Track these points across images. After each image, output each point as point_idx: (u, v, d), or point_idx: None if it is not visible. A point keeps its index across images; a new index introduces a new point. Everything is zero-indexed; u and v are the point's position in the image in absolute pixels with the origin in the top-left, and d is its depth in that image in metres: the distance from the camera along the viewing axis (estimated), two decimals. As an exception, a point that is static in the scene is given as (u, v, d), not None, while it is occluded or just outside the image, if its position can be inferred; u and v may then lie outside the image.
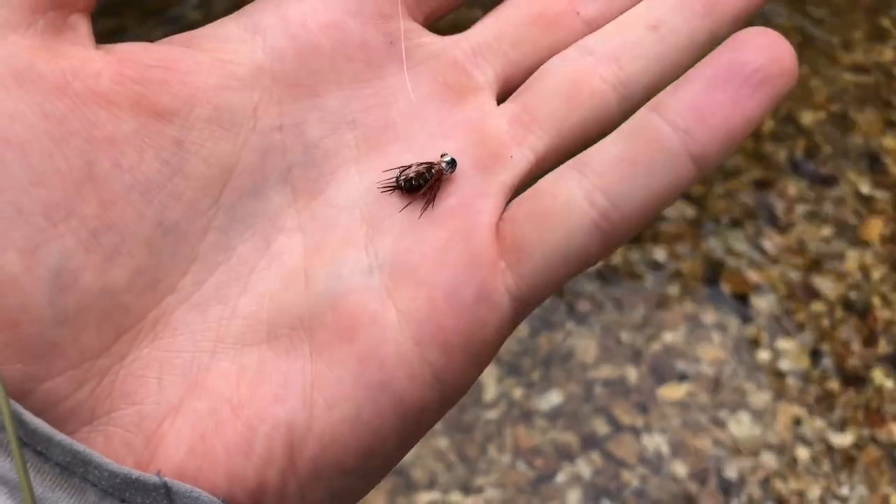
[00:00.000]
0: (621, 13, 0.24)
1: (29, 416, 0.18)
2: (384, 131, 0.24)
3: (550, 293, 0.22)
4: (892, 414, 0.70)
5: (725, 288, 0.76)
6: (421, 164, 0.24)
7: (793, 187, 0.80)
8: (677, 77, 0.23)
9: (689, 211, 0.80)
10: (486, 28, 0.25)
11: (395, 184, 0.23)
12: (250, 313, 0.22)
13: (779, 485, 0.68)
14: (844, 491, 0.67)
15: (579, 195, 0.22)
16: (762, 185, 0.81)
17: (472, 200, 0.23)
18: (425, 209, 0.23)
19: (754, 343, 0.73)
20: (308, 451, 0.21)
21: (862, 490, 0.67)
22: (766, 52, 0.21)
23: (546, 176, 0.23)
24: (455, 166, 0.23)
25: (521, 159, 0.23)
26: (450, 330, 0.22)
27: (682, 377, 0.72)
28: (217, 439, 0.21)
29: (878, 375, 0.72)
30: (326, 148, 0.23)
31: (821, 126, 0.84)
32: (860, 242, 0.78)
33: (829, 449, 0.69)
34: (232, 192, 0.22)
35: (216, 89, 0.22)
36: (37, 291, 0.19)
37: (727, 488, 0.68)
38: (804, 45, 0.88)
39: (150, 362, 0.21)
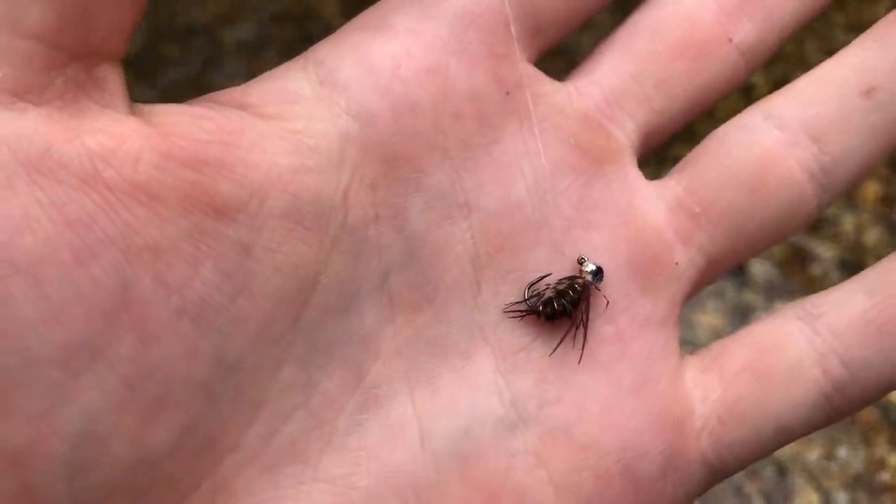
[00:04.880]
0: (781, 38, 0.19)
1: None
2: (508, 217, 0.18)
3: (749, 465, 0.17)
4: (889, 375, 0.71)
5: (721, 254, 0.76)
6: (561, 279, 0.17)
7: (787, 150, 0.80)
8: (883, 157, 0.18)
9: (684, 176, 0.80)
10: (619, 67, 0.19)
11: (527, 306, 0.17)
12: (340, 476, 0.16)
13: (777, 448, 0.69)
14: (842, 453, 0.67)
15: (811, 358, 0.18)
16: (757, 148, 0.81)
17: (639, 330, 0.18)
18: (576, 345, 0.17)
19: (751, 309, 0.73)
20: None
21: (860, 451, 0.67)
22: None
23: (765, 321, 0.19)
24: (602, 277, 0.17)
25: (688, 266, 0.18)
26: None
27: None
28: None
29: (875, 337, 0.72)
30: (434, 243, 0.18)
31: (815, 87, 0.83)
32: (856, 204, 0.77)
33: (827, 411, 0.70)
34: (315, 312, 0.17)
35: (292, 172, 0.16)
36: (48, 471, 0.13)
37: (726, 453, 0.68)
38: (797, 4, 0.87)
39: None
